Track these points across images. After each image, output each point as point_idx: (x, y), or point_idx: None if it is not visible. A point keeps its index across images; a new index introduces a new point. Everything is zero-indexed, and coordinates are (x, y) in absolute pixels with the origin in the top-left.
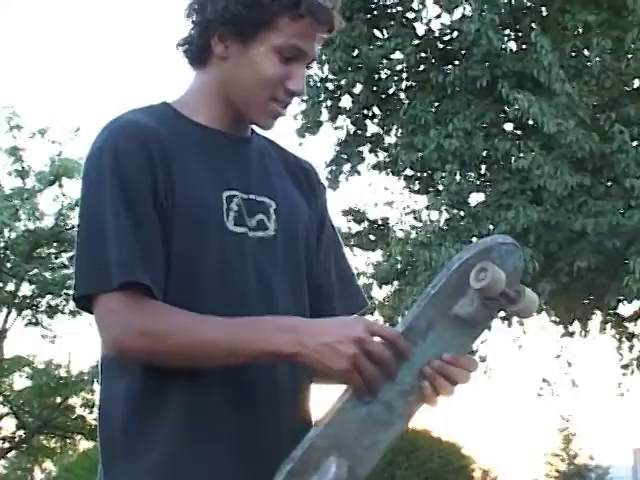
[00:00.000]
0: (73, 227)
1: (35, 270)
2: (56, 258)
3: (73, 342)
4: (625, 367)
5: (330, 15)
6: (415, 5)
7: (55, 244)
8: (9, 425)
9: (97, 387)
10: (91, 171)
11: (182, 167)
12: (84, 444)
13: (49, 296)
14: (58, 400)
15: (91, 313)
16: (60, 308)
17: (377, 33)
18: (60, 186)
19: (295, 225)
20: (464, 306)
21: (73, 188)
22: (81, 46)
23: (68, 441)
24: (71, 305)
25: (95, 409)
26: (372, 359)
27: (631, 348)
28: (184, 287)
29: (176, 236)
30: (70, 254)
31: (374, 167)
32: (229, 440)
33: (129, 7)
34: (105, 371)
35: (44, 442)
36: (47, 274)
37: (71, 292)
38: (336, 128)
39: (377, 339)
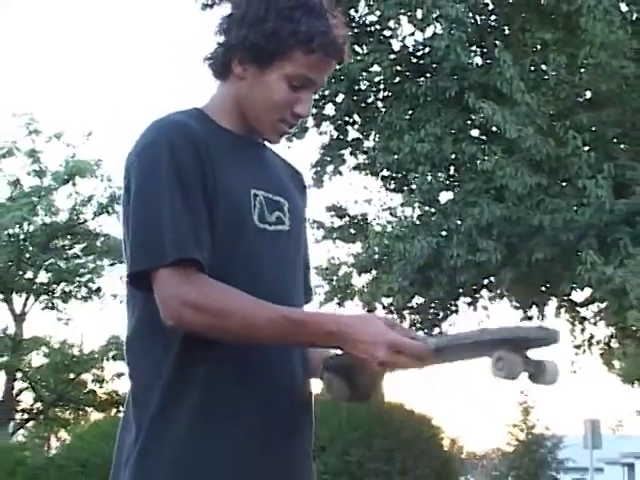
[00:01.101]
0: (86, 221)
1: (51, 260)
2: (70, 249)
3: (85, 324)
4: (577, 347)
5: (340, 50)
6: (391, 24)
7: (69, 236)
8: (28, 398)
9: (107, 364)
10: (147, 162)
11: (220, 165)
12: (94, 415)
13: (63, 283)
14: (71, 376)
15: (144, 290)
16: (73, 294)
17: (357, 49)
18: (74, 184)
19: (300, 222)
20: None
21: (85, 186)
22: (82, 47)
23: (80, 413)
24: (83, 291)
25: (105, 385)
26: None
27: (583, 331)
28: (219, 270)
29: (217, 224)
30: (82, 245)
31: (354, 168)
32: (249, 407)
33: (127, 12)
34: (139, 346)
35: (59, 414)
36: (62, 263)
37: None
38: (320, 133)
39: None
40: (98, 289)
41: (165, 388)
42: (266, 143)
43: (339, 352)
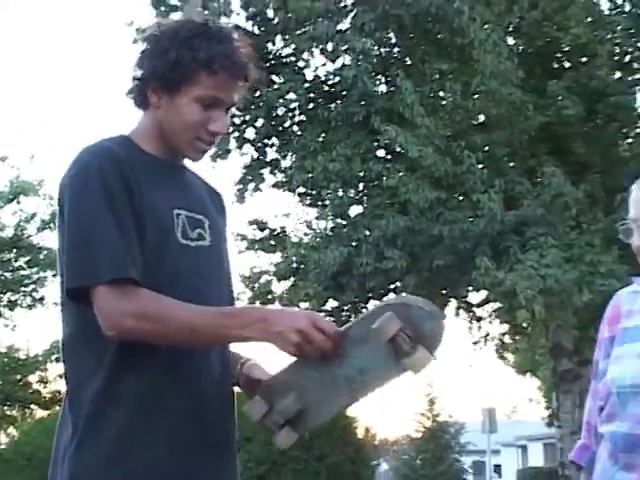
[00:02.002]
0: (30, 236)
1: None
2: (15, 261)
3: (30, 330)
4: (475, 343)
5: (242, 69)
6: (305, 56)
7: (14, 250)
8: None
9: (50, 366)
10: (79, 185)
11: (145, 186)
12: (39, 413)
13: (9, 293)
14: (18, 377)
15: (80, 302)
16: (19, 302)
17: (275, 78)
18: (18, 203)
19: (220, 238)
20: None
21: (29, 204)
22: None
23: (26, 411)
24: (28, 300)
25: (49, 385)
26: (312, 345)
27: (479, 328)
28: (148, 284)
29: (144, 241)
30: (27, 258)
31: (273, 186)
32: (180, 409)
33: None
34: (74, 350)
35: (7, 412)
36: (8, 275)
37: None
38: (242, 154)
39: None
40: (42, 298)
41: (99, 391)
42: (187, 165)
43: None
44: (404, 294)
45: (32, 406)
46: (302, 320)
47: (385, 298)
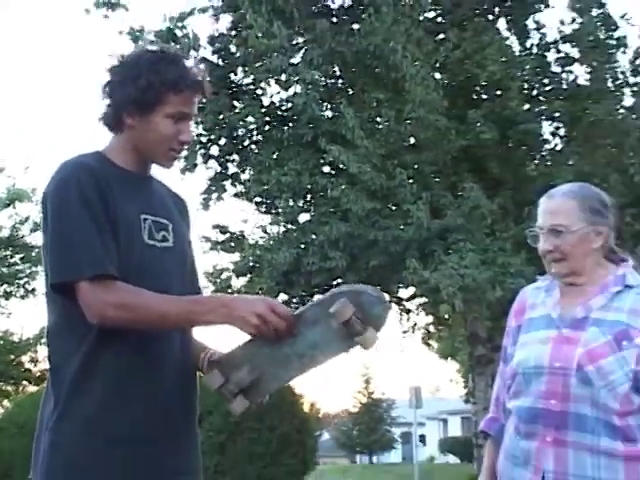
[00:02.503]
0: (24, 236)
1: None
2: (11, 258)
3: (23, 317)
4: (404, 332)
5: (201, 86)
6: (262, 85)
7: (10, 248)
8: None
9: (40, 348)
10: (60, 195)
11: (117, 195)
12: (30, 388)
13: (5, 285)
14: (12, 357)
15: (63, 295)
16: (13, 293)
17: (236, 104)
18: (14, 207)
19: (184, 239)
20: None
21: (23, 209)
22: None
23: (19, 386)
24: (21, 291)
25: (39, 364)
26: (269, 326)
27: (408, 319)
28: (119, 277)
29: (118, 243)
30: (21, 255)
31: (234, 195)
32: (150, 385)
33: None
34: (57, 335)
35: (2, 387)
36: (4, 269)
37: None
38: (207, 168)
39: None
40: (33, 289)
41: (79, 369)
42: (153, 176)
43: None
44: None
45: (24, 382)
46: (260, 305)
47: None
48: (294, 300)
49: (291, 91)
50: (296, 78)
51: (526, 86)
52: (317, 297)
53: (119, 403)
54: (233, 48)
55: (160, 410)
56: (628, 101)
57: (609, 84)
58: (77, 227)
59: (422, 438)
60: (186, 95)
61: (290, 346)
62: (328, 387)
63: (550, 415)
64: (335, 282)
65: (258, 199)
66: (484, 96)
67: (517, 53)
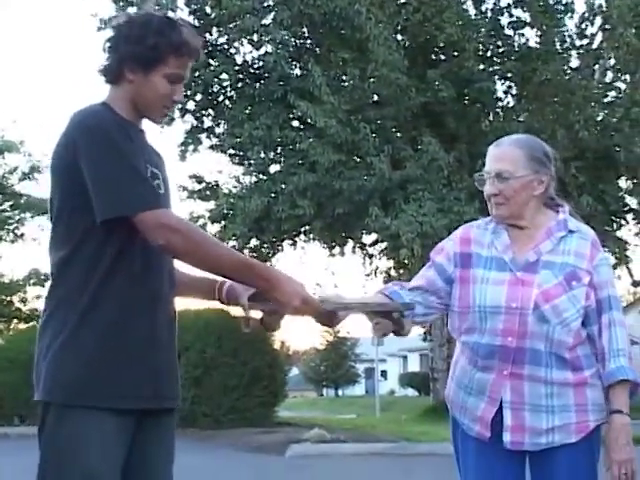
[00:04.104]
0: (13, 185)
1: None
2: (1, 205)
3: (13, 260)
4: (367, 275)
5: (199, 53)
6: (236, 44)
7: (0, 196)
8: None
9: (29, 289)
10: (98, 140)
11: (131, 141)
12: (20, 326)
13: None
14: (3, 297)
15: (109, 224)
16: (4, 238)
17: (211, 62)
18: (3, 158)
19: (168, 188)
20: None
21: (12, 159)
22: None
23: (10, 324)
24: (11, 236)
25: (28, 303)
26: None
27: (370, 264)
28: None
29: None
30: (10, 203)
31: (209, 148)
32: (149, 315)
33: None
34: (69, 268)
35: None
36: None
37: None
38: (184, 122)
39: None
40: (22, 234)
41: (91, 297)
42: (144, 129)
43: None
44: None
45: (14, 320)
46: (296, 300)
47: (299, 239)
48: (265, 245)
49: (262, 50)
50: (267, 38)
51: (481, 47)
52: (284, 246)
53: (125, 327)
54: (208, 9)
55: (157, 340)
56: (574, 62)
57: (557, 46)
58: (124, 167)
59: (383, 373)
60: (185, 59)
61: None
62: (297, 326)
63: (507, 351)
64: (303, 228)
65: (232, 151)
66: (442, 57)
67: (473, 17)
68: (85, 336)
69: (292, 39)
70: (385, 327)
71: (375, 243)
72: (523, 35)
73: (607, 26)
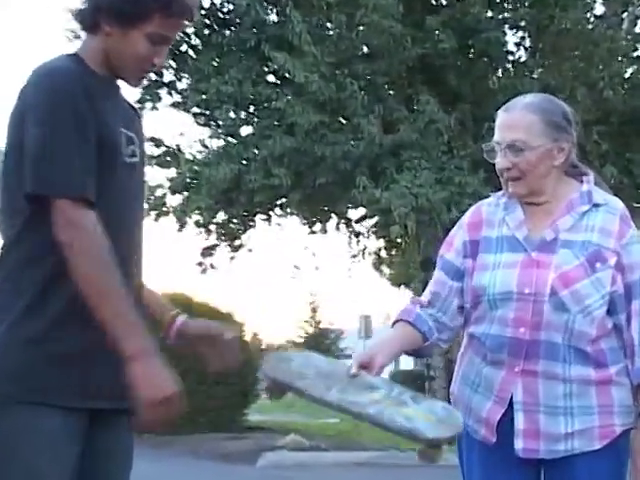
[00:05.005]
0: None
1: None
2: None
3: None
4: (354, 257)
5: (193, 13)
6: None
7: None
8: None
9: None
10: (51, 101)
11: (98, 102)
12: None
13: None
14: None
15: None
16: None
17: None
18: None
19: (143, 154)
20: None
21: None
22: None
23: None
24: None
25: None
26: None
27: (358, 243)
28: (101, 200)
29: (99, 160)
30: None
31: (170, 105)
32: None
33: None
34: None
35: None
36: None
37: None
38: None
39: None
40: None
41: (43, 275)
42: (120, 85)
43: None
44: None
45: None
46: (170, 390)
47: (271, 213)
48: (234, 220)
49: None
50: None
51: None
52: (256, 221)
53: (79, 318)
54: None
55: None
56: (599, 9)
57: None
58: (66, 141)
59: None
60: (174, 20)
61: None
62: (271, 316)
63: (518, 344)
64: (279, 201)
65: (196, 110)
66: (443, 1)
67: None
68: (33, 325)
69: None
70: None
71: (363, 219)
72: None
73: None
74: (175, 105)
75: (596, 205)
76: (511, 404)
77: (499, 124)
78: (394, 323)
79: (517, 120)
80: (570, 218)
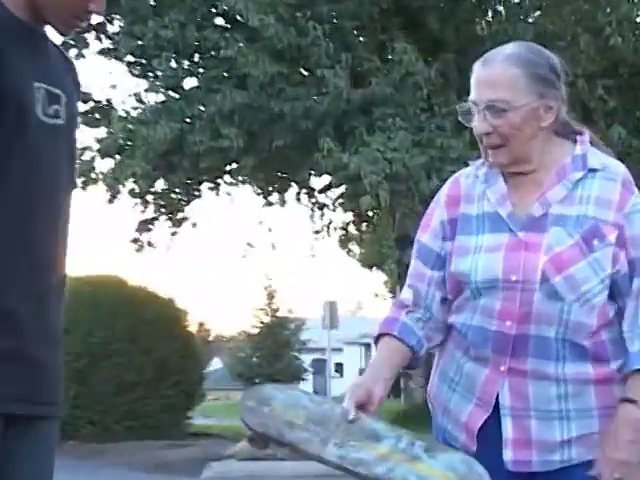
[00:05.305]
0: None
1: None
2: None
3: None
4: (317, 232)
5: None
6: None
7: None
8: None
9: None
10: None
11: (10, 54)
12: None
13: None
14: None
15: None
16: None
17: None
18: None
19: (74, 116)
20: None
21: None
22: None
23: None
24: None
25: None
26: None
27: (322, 216)
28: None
29: (3, 116)
30: None
31: (99, 53)
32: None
33: None
34: None
35: None
36: None
37: None
38: None
39: None
40: None
41: None
42: (47, 33)
43: None
44: None
45: None
46: None
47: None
48: (176, 190)
49: None
50: None
51: None
52: (201, 189)
53: None
54: None
55: (32, 323)
56: None
57: None
58: None
59: (339, 367)
60: None
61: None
62: (220, 303)
63: (504, 339)
64: (229, 167)
65: (130, 58)
66: None
67: None
68: None
69: None
70: None
71: (328, 188)
72: None
73: None
74: (105, 52)
75: (592, 170)
76: (497, 408)
77: (476, 81)
78: (378, 337)
79: (497, 75)
80: (562, 188)
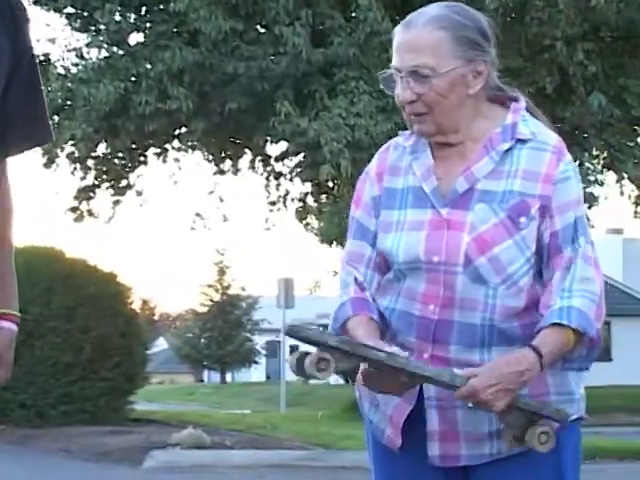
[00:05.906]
0: None
1: None
2: None
3: None
4: (272, 204)
5: None
6: None
7: None
8: None
9: None
10: None
11: None
12: None
13: None
14: None
15: None
16: None
17: None
18: None
19: (3, 65)
20: None
21: None
22: None
23: None
24: None
25: None
26: None
27: (278, 186)
28: None
29: None
30: None
31: (35, 3)
32: None
33: None
34: None
35: None
36: None
37: None
38: None
39: None
40: None
41: None
42: None
43: None
44: None
45: None
46: None
47: (169, 144)
48: (119, 155)
49: None
50: None
51: None
52: (147, 155)
53: None
54: None
55: None
56: None
57: None
58: None
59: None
60: None
61: None
62: (168, 279)
63: (427, 325)
64: (177, 131)
65: (70, 10)
66: None
67: None
68: None
69: None
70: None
71: (285, 156)
72: None
73: None
74: (41, 3)
75: (520, 141)
76: (421, 399)
77: (397, 45)
78: (346, 320)
79: (420, 39)
80: (489, 161)
